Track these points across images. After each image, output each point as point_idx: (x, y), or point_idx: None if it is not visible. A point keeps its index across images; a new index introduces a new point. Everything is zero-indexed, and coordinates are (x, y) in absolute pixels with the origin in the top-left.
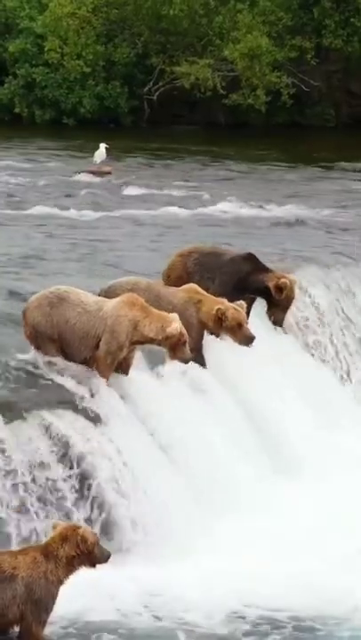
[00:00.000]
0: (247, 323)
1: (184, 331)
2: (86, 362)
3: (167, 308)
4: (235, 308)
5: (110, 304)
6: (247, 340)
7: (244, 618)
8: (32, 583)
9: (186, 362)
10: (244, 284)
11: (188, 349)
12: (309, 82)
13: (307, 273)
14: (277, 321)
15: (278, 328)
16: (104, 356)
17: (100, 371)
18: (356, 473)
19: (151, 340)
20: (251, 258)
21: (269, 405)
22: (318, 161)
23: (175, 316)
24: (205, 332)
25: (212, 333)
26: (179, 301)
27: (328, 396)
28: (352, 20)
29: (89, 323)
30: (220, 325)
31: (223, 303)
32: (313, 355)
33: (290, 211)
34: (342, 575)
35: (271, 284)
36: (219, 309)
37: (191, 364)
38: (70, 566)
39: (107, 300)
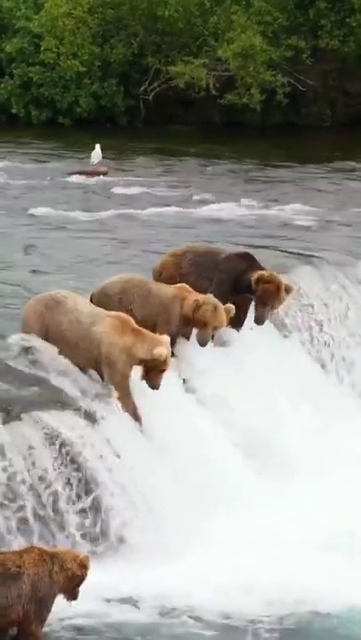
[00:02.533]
0: (214, 328)
1: (169, 360)
2: (79, 367)
3: (155, 303)
4: (215, 307)
5: (102, 325)
6: (200, 341)
7: (241, 616)
8: (37, 581)
9: (154, 388)
10: (239, 283)
11: (162, 379)
12: (305, 81)
13: (304, 272)
14: (257, 317)
15: (284, 328)
16: (117, 389)
17: (122, 403)
18: (352, 470)
19: (140, 361)
20: (247, 256)
21: (266, 404)
22: (315, 160)
23: (166, 339)
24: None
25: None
26: (166, 295)
27: (324, 393)
28: (348, 20)
29: (79, 333)
30: (193, 315)
31: (207, 298)
32: (309, 353)
33: (286, 210)
34: (339, 573)
35: (252, 279)
36: (196, 300)
37: (191, 367)
38: (69, 582)
39: (100, 314)
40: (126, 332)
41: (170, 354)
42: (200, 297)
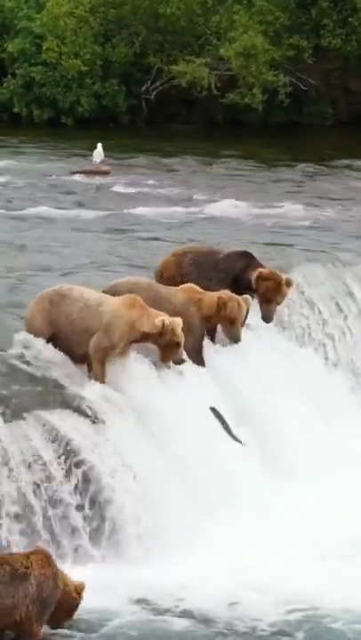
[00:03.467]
0: (243, 323)
1: (178, 332)
2: (85, 357)
3: (167, 308)
4: (238, 302)
5: (110, 302)
6: (233, 338)
7: (241, 616)
8: (43, 582)
9: (177, 363)
10: (239, 282)
11: (180, 352)
12: (307, 80)
13: (306, 271)
14: (264, 316)
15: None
16: (94, 352)
17: (91, 368)
18: (353, 470)
19: (146, 336)
20: (245, 255)
21: (267, 403)
22: (317, 159)
23: (166, 315)
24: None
25: (209, 334)
26: (179, 301)
27: (326, 392)
28: (350, 19)
29: (88, 318)
30: (218, 314)
31: (227, 294)
32: (311, 352)
33: (289, 209)
34: (339, 574)
35: (253, 277)
36: (220, 298)
37: (190, 363)
38: (66, 597)
39: (109, 297)
40: (135, 306)
41: (177, 325)
42: (224, 295)
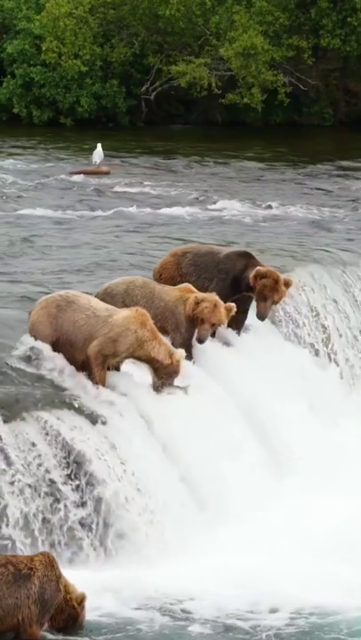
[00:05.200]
0: (213, 325)
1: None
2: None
3: (159, 305)
4: (215, 305)
5: (122, 314)
6: (198, 339)
7: (243, 617)
8: (46, 583)
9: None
10: (239, 282)
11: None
12: (307, 81)
13: (305, 271)
14: (258, 313)
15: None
16: (94, 356)
17: (91, 370)
18: (356, 470)
19: (151, 360)
20: (245, 255)
21: (269, 405)
22: (316, 160)
23: (182, 352)
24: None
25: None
26: (170, 299)
27: (327, 394)
28: (349, 19)
29: (96, 325)
30: (193, 313)
31: (208, 296)
32: (311, 353)
33: (287, 210)
34: (342, 574)
35: (250, 276)
36: (195, 297)
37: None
38: (65, 605)
39: (118, 310)
40: (146, 326)
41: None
42: (200, 295)
